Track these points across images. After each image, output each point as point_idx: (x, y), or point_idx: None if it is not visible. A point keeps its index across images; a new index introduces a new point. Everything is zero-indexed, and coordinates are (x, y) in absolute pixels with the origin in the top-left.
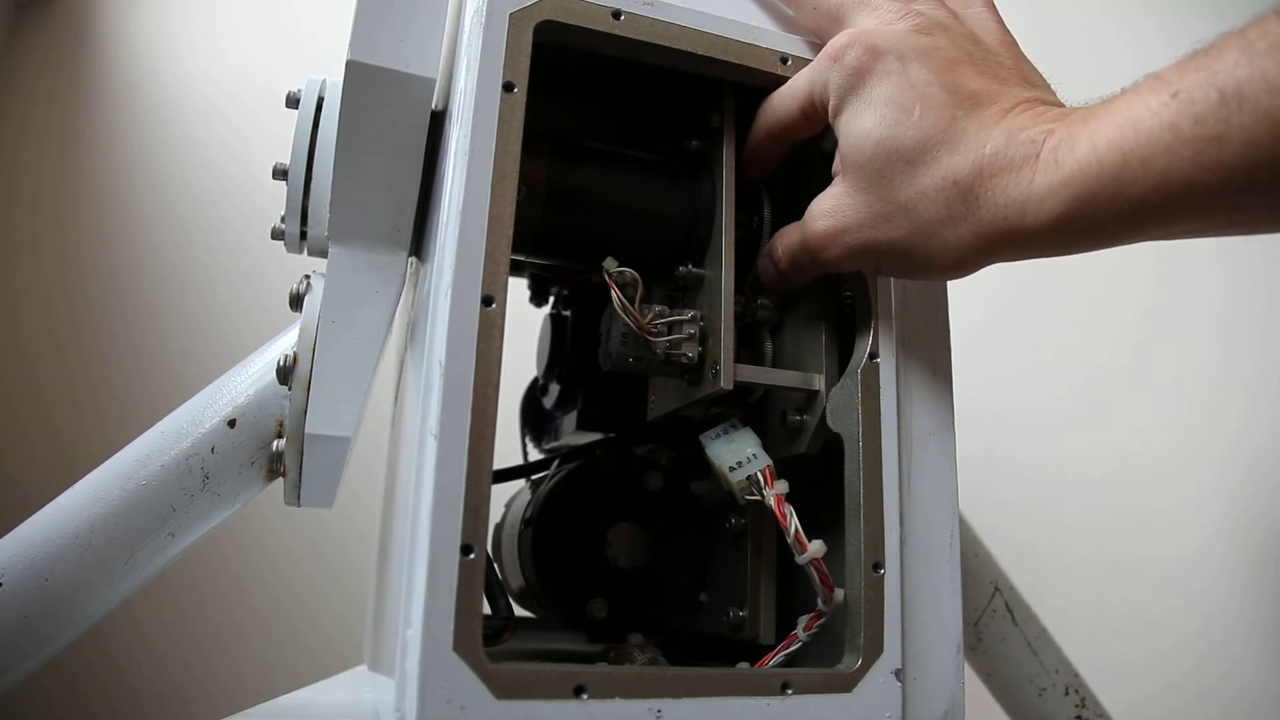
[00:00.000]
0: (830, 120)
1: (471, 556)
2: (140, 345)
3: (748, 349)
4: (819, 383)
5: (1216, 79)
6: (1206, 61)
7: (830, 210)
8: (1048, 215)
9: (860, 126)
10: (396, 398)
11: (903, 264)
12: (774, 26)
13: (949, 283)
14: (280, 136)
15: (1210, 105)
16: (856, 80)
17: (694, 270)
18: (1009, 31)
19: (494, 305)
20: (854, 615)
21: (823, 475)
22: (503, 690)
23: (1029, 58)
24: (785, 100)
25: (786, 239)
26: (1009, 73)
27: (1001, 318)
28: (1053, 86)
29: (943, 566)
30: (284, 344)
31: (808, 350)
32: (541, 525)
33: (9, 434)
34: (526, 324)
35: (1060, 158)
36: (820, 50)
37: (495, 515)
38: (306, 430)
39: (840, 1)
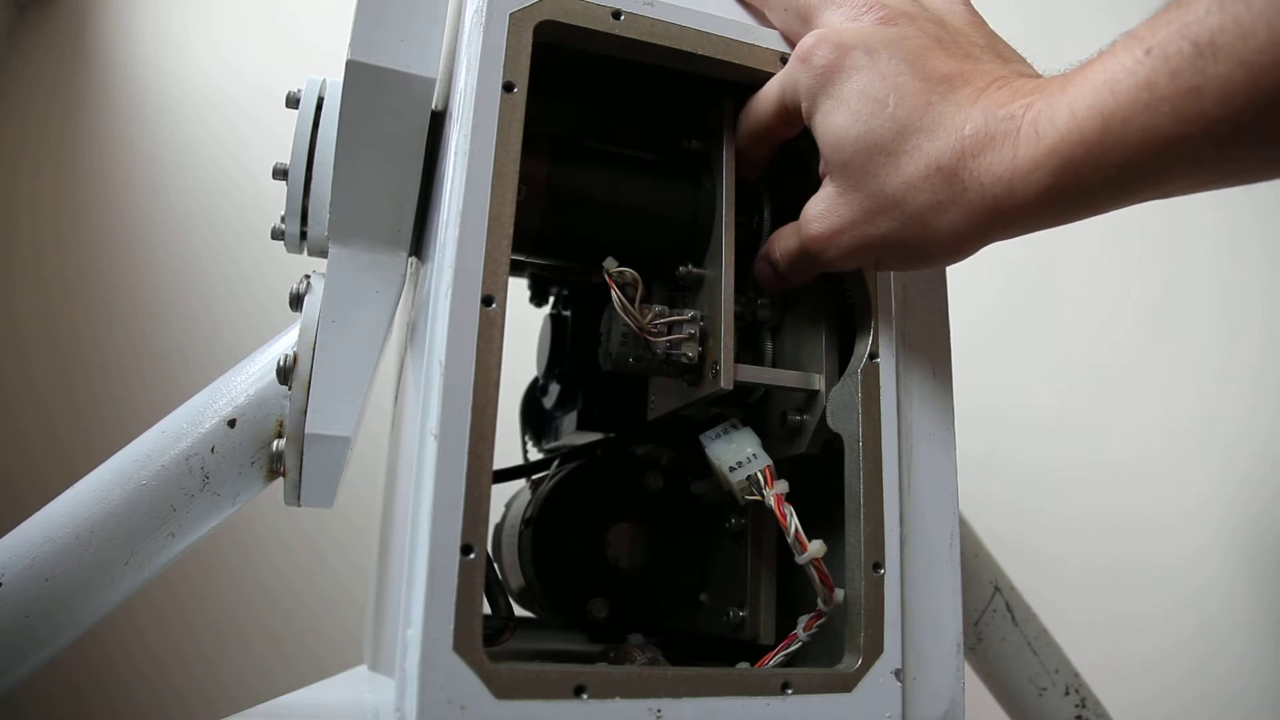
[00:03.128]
0: (806, 122)
1: (471, 556)
2: (140, 345)
3: (748, 349)
4: (819, 383)
5: (1189, 30)
6: (1178, 13)
7: (823, 213)
8: (1035, 188)
9: (836, 125)
10: (396, 398)
11: (901, 255)
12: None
13: (949, 284)
14: (280, 137)
15: (1185, 58)
16: (826, 79)
17: (694, 270)
18: (975, 10)
19: (494, 305)
20: (854, 615)
21: (823, 475)
22: (503, 690)
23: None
24: (761, 105)
25: (783, 243)
26: (981, 51)
27: (1002, 318)
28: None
29: (943, 566)
30: (284, 344)
31: (808, 350)
32: (541, 525)
33: (9, 434)
34: (526, 324)
35: (1041, 129)
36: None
37: (495, 515)
38: (306, 430)
39: (808, 1)
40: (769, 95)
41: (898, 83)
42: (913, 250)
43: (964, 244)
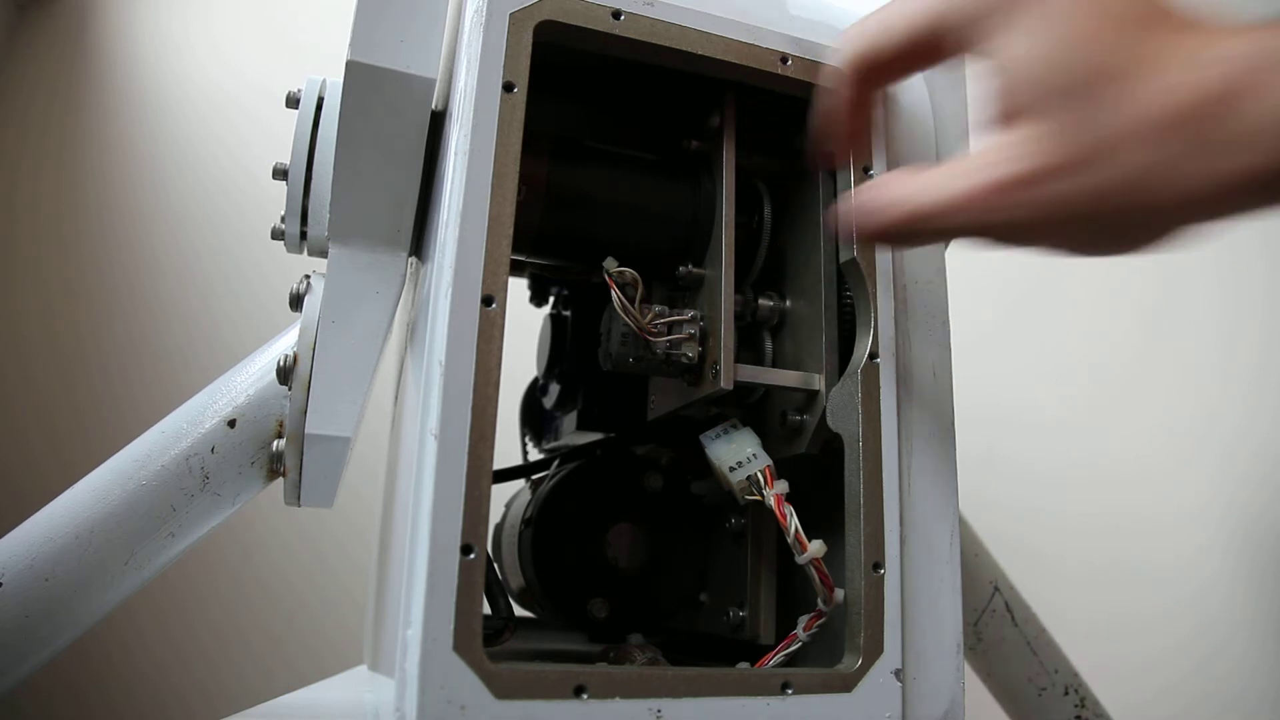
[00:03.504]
0: (974, 49)
1: (471, 556)
2: (140, 346)
3: (748, 349)
4: (819, 383)
5: None
6: None
7: (1012, 157)
8: None
9: (1031, 53)
10: (396, 398)
11: (1094, 226)
12: (774, 26)
13: (949, 284)
14: (280, 137)
15: None
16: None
17: (694, 270)
18: None
19: (494, 305)
20: (854, 615)
21: (823, 475)
22: (503, 690)
23: None
24: (894, 28)
25: (906, 189)
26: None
27: (1002, 318)
28: None
29: (943, 566)
30: (284, 344)
31: (808, 350)
32: (541, 525)
33: (9, 434)
34: (526, 324)
35: None
36: (834, 45)
37: (495, 515)
38: (306, 430)
39: None
40: (913, 15)
41: (1106, 6)
42: (1117, 220)
43: (1190, 213)
